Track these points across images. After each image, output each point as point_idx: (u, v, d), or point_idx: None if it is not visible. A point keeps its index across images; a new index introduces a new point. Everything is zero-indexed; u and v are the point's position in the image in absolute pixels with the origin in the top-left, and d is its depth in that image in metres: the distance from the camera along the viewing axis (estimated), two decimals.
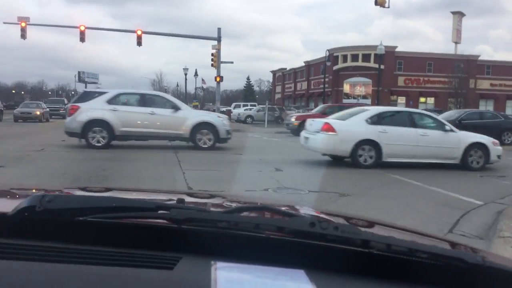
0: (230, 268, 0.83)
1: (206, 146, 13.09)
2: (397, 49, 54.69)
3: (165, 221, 0.91)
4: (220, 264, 0.83)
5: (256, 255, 0.86)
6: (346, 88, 59.11)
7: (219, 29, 30.10)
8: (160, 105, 13.12)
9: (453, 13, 59.59)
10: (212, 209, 1.31)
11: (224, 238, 0.89)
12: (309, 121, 11.58)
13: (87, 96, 13.22)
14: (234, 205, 1.51)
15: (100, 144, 12.30)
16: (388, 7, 16.67)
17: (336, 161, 10.89)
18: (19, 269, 0.77)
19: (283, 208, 1.27)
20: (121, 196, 1.42)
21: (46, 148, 12.48)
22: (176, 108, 13.14)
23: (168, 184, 7.62)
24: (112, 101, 12.70)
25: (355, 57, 56.71)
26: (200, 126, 13.12)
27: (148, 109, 12.79)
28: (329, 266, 0.85)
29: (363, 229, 0.96)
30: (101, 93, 13.15)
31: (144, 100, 13.08)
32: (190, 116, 13.26)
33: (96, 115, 12.34)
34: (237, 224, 0.90)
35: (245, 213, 1.01)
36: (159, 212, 0.95)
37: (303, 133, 11.32)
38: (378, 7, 17.65)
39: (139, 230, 0.93)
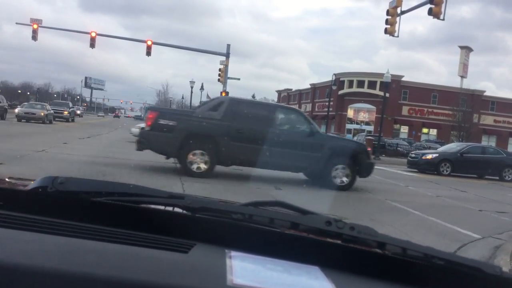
0: (245, 257, 0.83)
1: None
2: (402, 79, 55.04)
3: (179, 209, 0.91)
4: (234, 253, 0.83)
5: (271, 248, 0.86)
6: (350, 113, 59.33)
7: (228, 45, 30.42)
8: None
9: (461, 47, 60.05)
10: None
11: (238, 229, 0.89)
12: None
13: None
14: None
15: None
16: (397, 36, 16.83)
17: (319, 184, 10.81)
18: (33, 240, 0.78)
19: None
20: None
21: (47, 149, 12.49)
22: None
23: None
24: None
25: (361, 83, 57.02)
26: None
27: None
28: (344, 265, 0.85)
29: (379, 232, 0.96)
30: None
31: None
32: None
33: None
34: (252, 217, 0.90)
35: (260, 207, 1.01)
36: (174, 199, 0.95)
37: None
38: (387, 36, 17.80)
39: (153, 215, 0.93)
